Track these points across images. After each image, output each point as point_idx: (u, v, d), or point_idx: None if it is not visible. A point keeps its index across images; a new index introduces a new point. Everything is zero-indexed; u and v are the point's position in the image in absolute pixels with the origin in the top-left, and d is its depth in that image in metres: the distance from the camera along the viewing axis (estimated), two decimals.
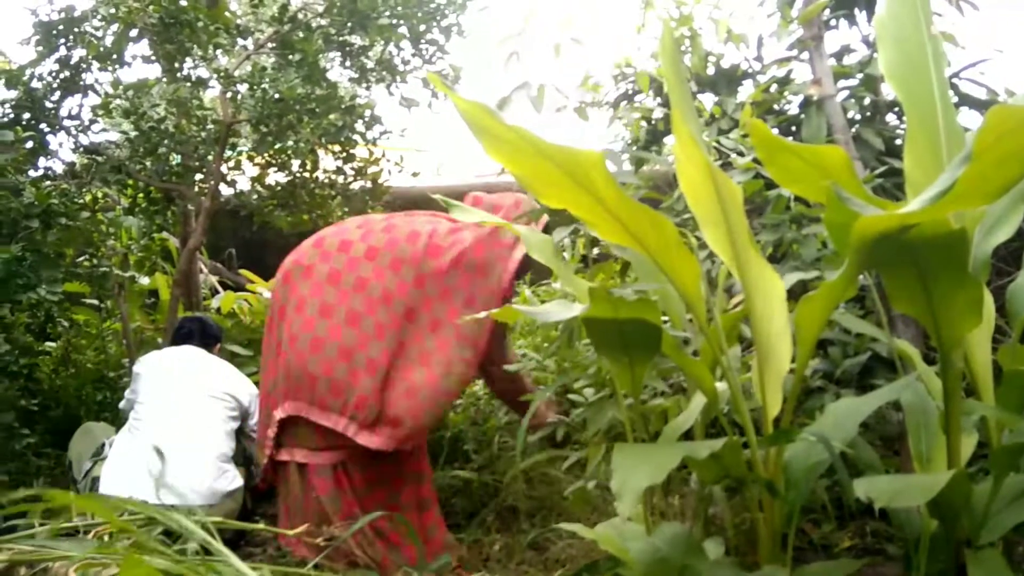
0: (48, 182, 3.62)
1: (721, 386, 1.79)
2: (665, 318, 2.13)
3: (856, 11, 3.52)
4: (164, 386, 2.85)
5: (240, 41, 4.16)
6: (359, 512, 2.26)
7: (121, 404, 3.15)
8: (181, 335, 3.17)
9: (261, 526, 2.24)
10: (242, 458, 2.97)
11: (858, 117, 3.38)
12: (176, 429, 2.72)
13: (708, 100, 3.72)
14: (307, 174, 4.40)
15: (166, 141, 3.94)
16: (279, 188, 4.43)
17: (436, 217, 2.58)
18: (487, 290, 2.41)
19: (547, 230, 2.50)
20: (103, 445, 2.93)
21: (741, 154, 2.58)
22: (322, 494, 2.36)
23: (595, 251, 3.48)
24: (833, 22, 3.56)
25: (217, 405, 2.84)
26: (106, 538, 1.77)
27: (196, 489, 2.59)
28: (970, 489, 1.48)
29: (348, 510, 2.31)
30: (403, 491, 2.43)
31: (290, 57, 4.03)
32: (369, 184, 4.47)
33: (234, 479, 2.74)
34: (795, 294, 1.77)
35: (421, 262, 2.39)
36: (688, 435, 1.84)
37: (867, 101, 3.34)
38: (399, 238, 2.45)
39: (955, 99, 3.28)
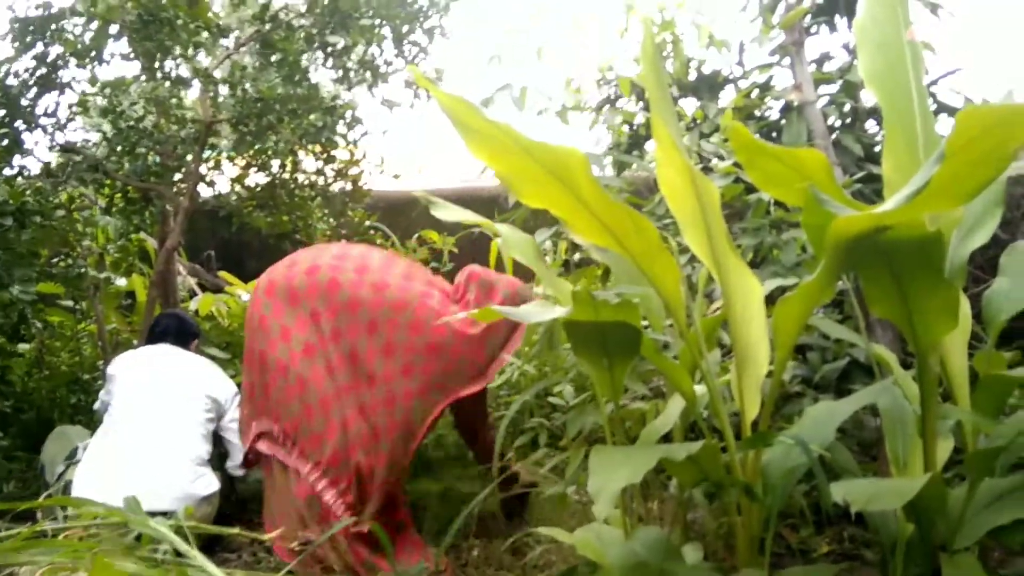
0: (22, 180, 3.56)
1: (700, 389, 1.79)
2: (645, 322, 2.13)
3: (836, 17, 3.56)
4: (138, 388, 2.81)
5: (221, 40, 4.12)
6: (334, 520, 2.24)
7: (95, 406, 3.10)
8: (157, 332, 3.10)
9: (236, 530, 2.21)
10: (218, 461, 2.93)
11: (838, 123, 3.41)
12: (151, 432, 2.68)
13: (690, 105, 3.74)
14: (287, 175, 4.37)
15: (144, 140, 3.89)
16: (259, 189, 4.39)
17: (432, 286, 2.51)
18: (458, 382, 2.35)
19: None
20: (76, 449, 2.88)
21: (722, 158, 2.59)
22: (300, 498, 2.34)
23: (576, 256, 3.48)
24: (814, 28, 3.59)
25: (193, 407, 2.80)
26: (76, 542, 1.74)
27: (171, 493, 2.55)
28: (946, 493, 1.48)
29: (324, 517, 2.29)
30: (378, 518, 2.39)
31: (271, 57, 4.00)
32: (350, 186, 4.44)
33: (210, 483, 2.70)
34: (774, 299, 1.77)
35: (396, 332, 2.34)
36: (667, 438, 1.84)
37: (847, 107, 3.37)
38: (385, 301, 2.38)
39: (933, 107, 3.32)
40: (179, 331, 3.11)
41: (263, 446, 2.49)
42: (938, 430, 1.55)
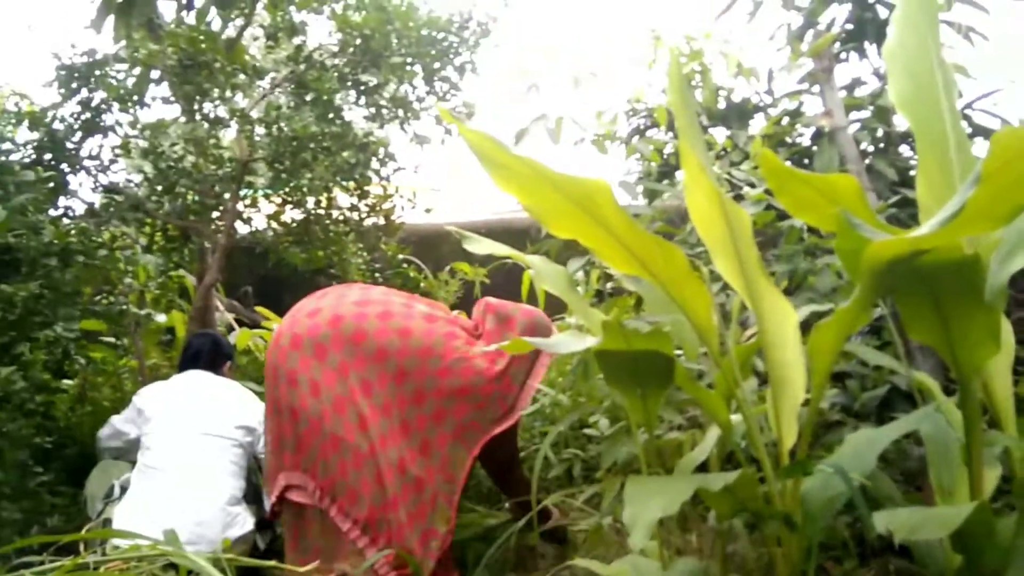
0: (67, 220, 3.67)
1: (736, 418, 1.76)
2: (679, 351, 2.11)
3: (866, 43, 3.54)
4: (170, 427, 2.80)
5: (257, 81, 4.24)
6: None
7: (101, 433, 3.07)
8: (190, 355, 3.08)
9: (272, 563, 2.22)
10: (252, 495, 2.93)
11: (871, 148, 3.38)
12: (184, 475, 2.66)
13: (720, 134, 3.74)
14: (322, 211, 4.44)
15: (184, 180, 3.99)
16: (294, 225, 4.47)
17: (455, 324, 2.50)
18: (491, 421, 2.34)
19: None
20: (113, 487, 2.90)
21: (752, 186, 2.58)
22: (343, 557, 2.33)
23: (609, 285, 3.48)
24: (843, 55, 3.58)
25: (225, 444, 2.79)
26: (118, 574, 1.76)
27: (207, 538, 2.56)
28: (993, 522, 1.44)
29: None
30: None
31: (305, 96, 4.09)
32: (383, 220, 4.50)
33: (244, 522, 2.70)
34: (810, 326, 1.75)
35: (425, 379, 2.34)
36: (703, 468, 1.82)
37: (879, 132, 3.34)
38: (411, 348, 2.37)
39: (969, 130, 3.28)
40: (212, 352, 3.10)
41: (296, 496, 2.45)
42: (984, 457, 1.51)
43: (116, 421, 3.03)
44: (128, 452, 2.96)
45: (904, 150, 3.41)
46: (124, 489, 2.80)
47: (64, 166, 3.72)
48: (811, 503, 1.51)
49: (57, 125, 3.73)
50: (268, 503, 2.62)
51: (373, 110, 4.37)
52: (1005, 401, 1.60)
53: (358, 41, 4.10)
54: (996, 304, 1.41)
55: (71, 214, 3.85)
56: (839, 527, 2.15)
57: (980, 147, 3.23)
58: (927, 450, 1.68)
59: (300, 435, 2.43)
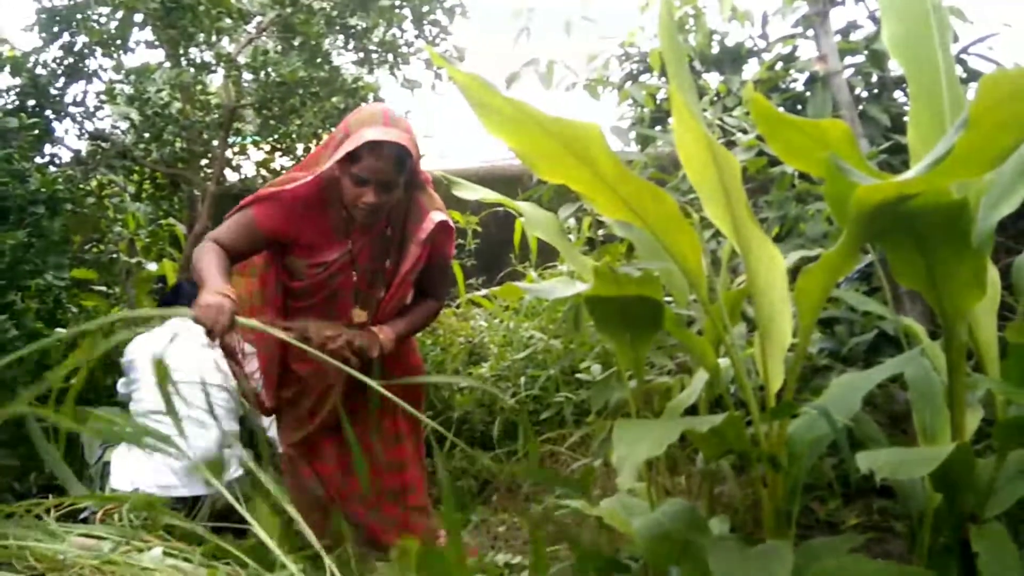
0: (54, 168, 3.63)
1: (724, 363, 1.78)
2: (669, 297, 2.12)
3: None
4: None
5: (243, 25, 4.15)
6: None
7: (119, 395, 3.12)
8: (183, 302, 3.08)
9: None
10: (246, 439, 2.97)
11: (865, 94, 3.35)
12: (177, 423, 2.69)
13: (713, 79, 3.70)
14: None
15: (171, 126, 3.94)
16: (284, 172, 4.43)
17: None
18: None
19: None
20: None
21: (745, 131, 2.56)
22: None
23: (600, 232, 3.48)
24: None
25: (215, 388, 2.82)
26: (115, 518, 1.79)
27: (202, 479, 2.59)
28: (974, 463, 1.47)
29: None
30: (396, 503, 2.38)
31: (293, 41, 4.02)
32: None
33: (238, 467, 2.73)
34: (800, 272, 1.76)
35: None
36: (692, 412, 1.84)
37: (874, 78, 3.31)
38: None
39: (963, 75, 3.25)
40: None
41: None
42: (967, 400, 1.53)
43: (120, 384, 3.05)
44: None
45: (898, 96, 3.38)
46: None
47: (48, 113, 3.66)
48: (796, 444, 1.54)
49: (39, 71, 3.65)
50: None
51: (362, 55, 4.29)
52: (989, 345, 1.62)
53: None
54: (983, 249, 1.42)
55: (57, 162, 3.81)
56: (824, 468, 2.20)
57: (974, 92, 3.21)
58: (911, 393, 1.71)
59: None
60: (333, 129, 4.25)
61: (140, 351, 2.93)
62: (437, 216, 2.16)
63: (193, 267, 2.05)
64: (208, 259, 2.00)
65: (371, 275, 2.21)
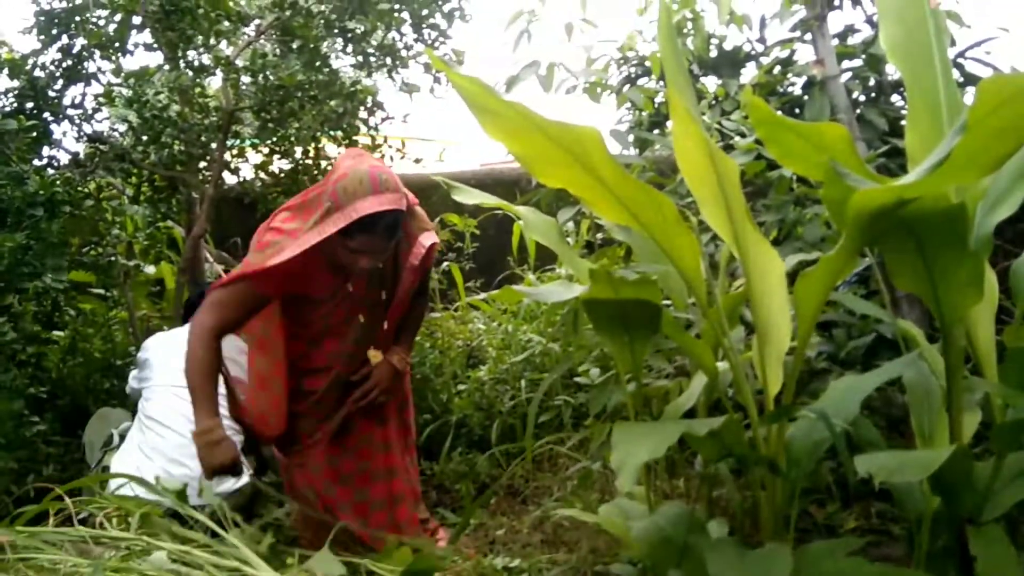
0: (52, 171, 3.62)
1: (723, 366, 1.79)
2: (668, 301, 2.13)
3: None
4: (170, 376, 2.83)
5: (242, 28, 4.16)
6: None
7: (128, 389, 3.13)
8: (192, 309, 3.11)
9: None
10: (249, 447, 2.95)
11: (862, 98, 3.36)
12: (182, 426, 2.69)
13: (711, 83, 3.70)
14: (310, 161, 4.40)
15: (169, 129, 3.94)
16: (282, 175, 4.43)
17: None
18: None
19: None
20: (112, 435, 2.93)
21: (743, 135, 2.57)
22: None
23: (599, 236, 3.48)
24: (836, 2, 3.53)
25: (222, 396, 2.81)
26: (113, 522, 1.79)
27: (208, 485, 2.59)
28: (972, 465, 1.47)
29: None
30: (373, 458, 2.40)
31: (291, 44, 4.02)
32: None
33: (242, 476, 2.73)
34: (798, 276, 1.76)
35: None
36: (691, 415, 1.84)
37: (871, 81, 3.32)
38: None
39: (960, 79, 3.26)
40: None
41: None
42: (964, 403, 1.53)
43: (131, 378, 3.05)
44: None
45: (896, 100, 3.39)
46: (123, 437, 2.83)
47: (47, 115, 3.66)
48: (795, 448, 1.54)
49: (38, 73, 3.66)
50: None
51: (360, 58, 4.29)
52: (987, 348, 1.62)
53: None
54: (981, 252, 1.42)
55: (56, 164, 3.81)
56: (822, 472, 2.20)
57: (972, 96, 3.22)
58: (909, 396, 1.71)
59: None
60: (332, 133, 4.28)
61: (157, 349, 2.93)
62: (427, 240, 2.22)
63: (187, 370, 2.16)
64: (200, 379, 2.15)
65: (371, 307, 2.26)
